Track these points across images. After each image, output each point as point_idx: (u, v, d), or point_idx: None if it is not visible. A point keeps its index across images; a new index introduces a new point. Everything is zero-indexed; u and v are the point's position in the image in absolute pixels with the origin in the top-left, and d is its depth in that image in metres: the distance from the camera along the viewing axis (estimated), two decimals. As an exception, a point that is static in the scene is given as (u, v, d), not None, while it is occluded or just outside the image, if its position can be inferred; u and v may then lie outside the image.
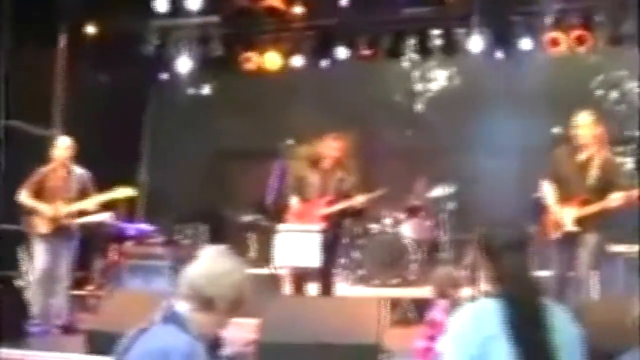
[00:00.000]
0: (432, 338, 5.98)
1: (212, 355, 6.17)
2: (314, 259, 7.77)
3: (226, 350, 6.63)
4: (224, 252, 3.30)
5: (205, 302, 3.12)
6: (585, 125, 7.57)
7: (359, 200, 8.56)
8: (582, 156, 7.57)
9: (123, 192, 8.76)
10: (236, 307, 3.21)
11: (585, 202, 7.43)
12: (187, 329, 3.07)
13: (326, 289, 8.51)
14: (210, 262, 3.21)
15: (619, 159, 12.00)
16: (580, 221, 7.43)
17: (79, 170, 8.77)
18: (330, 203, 8.62)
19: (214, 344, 3.13)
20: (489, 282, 3.22)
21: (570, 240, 7.45)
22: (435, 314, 6.11)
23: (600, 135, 7.60)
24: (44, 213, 8.50)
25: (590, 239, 7.45)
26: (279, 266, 8.01)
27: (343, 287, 10.42)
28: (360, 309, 6.64)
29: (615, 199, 7.26)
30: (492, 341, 2.98)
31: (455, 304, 6.20)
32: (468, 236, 11.00)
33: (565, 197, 7.56)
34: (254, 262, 10.80)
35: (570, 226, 7.42)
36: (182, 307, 3.12)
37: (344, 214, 8.81)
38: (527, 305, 3.09)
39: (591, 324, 5.90)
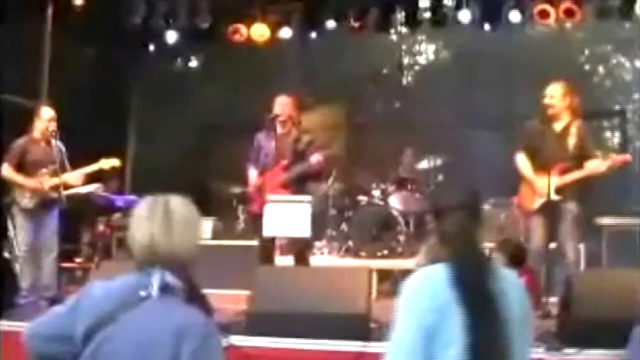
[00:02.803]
0: None
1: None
2: (304, 229, 7.73)
3: (217, 321, 6.67)
4: (156, 200, 2.88)
5: (180, 262, 2.78)
6: (556, 95, 7.62)
7: (313, 160, 8.20)
8: (558, 126, 7.63)
9: (108, 162, 8.70)
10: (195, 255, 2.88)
11: (566, 171, 7.43)
12: (183, 299, 2.74)
13: (302, 260, 8.35)
14: (159, 217, 2.80)
15: (607, 133, 12.13)
16: (562, 190, 7.42)
17: (57, 143, 8.65)
18: (286, 168, 8.30)
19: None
20: (438, 246, 3.12)
21: (550, 211, 7.42)
22: None
23: (573, 104, 7.66)
24: (28, 187, 8.43)
25: (571, 209, 7.46)
26: (268, 237, 7.95)
27: (331, 259, 10.47)
28: (350, 279, 6.65)
29: (601, 164, 7.32)
30: (445, 308, 2.87)
31: None
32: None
33: (542, 167, 7.51)
34: (243, 234, 10.84)
35: (553, 195, 7.36)
36: (168, 276, 2.73)
37: (304, 177, 8.45)
38: (470, 268, 2.98)
39: (579, 295, 6.00)
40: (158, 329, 2.59)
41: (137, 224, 2.80)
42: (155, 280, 2.69)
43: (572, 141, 7.51)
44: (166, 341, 2.56)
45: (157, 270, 2.71)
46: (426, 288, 2.93)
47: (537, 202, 7.51)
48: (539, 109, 7.69)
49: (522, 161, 7.76)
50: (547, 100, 7.63)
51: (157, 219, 2.78)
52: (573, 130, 7.55)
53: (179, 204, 2.85)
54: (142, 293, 2.67)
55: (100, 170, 8.81)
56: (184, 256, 2.78)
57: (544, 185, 7.35)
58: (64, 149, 8.66)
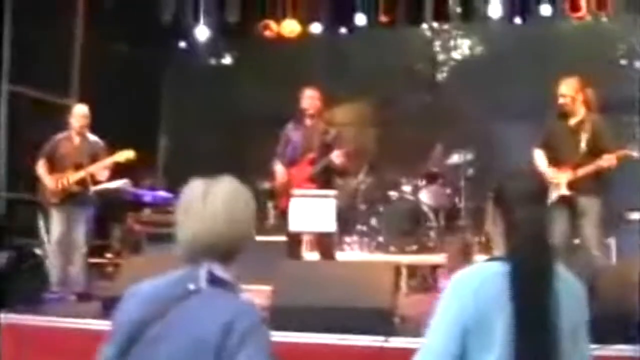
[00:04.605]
0: None
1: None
2: (329, 224, 7.71)
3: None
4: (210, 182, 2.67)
5: (226, 253, 2.62)
6: (571, 90, 7.63)
7: (333, 155, 8.18)
8: (572, 121, 7.65)
9: (123, 154, 8.63)
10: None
11: (578, 166, 7.47)
12: (238, 291, 2.60)
13: (328, 255, 8.33)
14: (199, 206, 2.60)
15: (637, 129, 11.97)
16: (574, 185, 7.44)
17: (93, 139, 8.79)
18: (313, 162, 8.33)
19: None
20: (501, 241, 2.74)
21: (568, 206, 7.42)
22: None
23: (588, 99, 7.66)
24: (48, 184, 8.54)
25: (590, 205, 7.43)
26: (294, 231, 7.93)
27: (361, 254, 10.44)
28: (375, 273, 6.62)
29: (608, 158, 7.32)
30: (490, 307, 2.57)
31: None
32: (486, 203, 11.13)
33: (557, 162, 7.61)
34: (273, 230, 10.83)
35: (564, 189, 7.41)
36: (216, 269, 2.58)
37: (329, 172, 8.44)
38: (537, 265, 2.63)
39: (602, 290, 5.92)
40: (207, 323, 2.45)
41: (179, 216, 2.64)
42: (203, 273, 2.56)
43: (585, 136, 7.52)
44: (214, 334, 2.42)
45: (204, 263, 2.57)
46: (472, 282, 2.64)
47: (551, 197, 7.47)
48: (555, 103, 7.72)
49: (538, 156, 7.81)
50: (561, 97, 7.65)
51: (196, 208, 2.59)
52: (587, 125, 7.56)
53: (223, 190, 2.65)
54: (191, 287, 2.54)
55: (132, 167, 8.86)
56: (229, 247, 2.62)
57: (556, 180, 7.39)
58: (102, 144, 8.75)
